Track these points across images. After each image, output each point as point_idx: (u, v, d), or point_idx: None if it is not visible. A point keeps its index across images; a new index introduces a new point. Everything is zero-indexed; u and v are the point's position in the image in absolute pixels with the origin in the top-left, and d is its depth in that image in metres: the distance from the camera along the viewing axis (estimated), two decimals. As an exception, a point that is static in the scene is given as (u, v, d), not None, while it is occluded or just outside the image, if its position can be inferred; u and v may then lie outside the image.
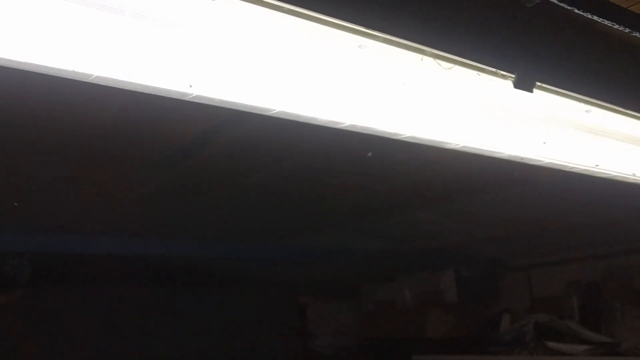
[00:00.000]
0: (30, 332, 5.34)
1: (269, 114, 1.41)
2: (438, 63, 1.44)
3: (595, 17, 1.39)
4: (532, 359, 5.31)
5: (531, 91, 1.63)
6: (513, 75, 1.59)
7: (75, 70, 1.14)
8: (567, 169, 1.98)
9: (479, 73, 1.52)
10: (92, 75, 1.17)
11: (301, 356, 7.11)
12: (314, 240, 5.19)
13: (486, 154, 1.81)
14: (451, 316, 6.30)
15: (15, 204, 3.30)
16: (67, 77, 1.17)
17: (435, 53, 1.43)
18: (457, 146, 1.72)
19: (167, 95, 1.27)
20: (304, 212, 4.04)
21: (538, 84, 1.65)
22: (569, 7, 1.33)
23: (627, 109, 1.87)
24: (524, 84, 1.61)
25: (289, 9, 1.23)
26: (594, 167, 2.07)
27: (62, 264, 4.90)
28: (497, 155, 1.86)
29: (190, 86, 1.25)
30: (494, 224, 4.71)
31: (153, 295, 5.92)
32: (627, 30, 1.47)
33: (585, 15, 1.37)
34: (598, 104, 1.78)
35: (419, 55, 1.41)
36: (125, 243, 4.55)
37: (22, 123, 2.33)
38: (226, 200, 3.54)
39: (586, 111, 1.81)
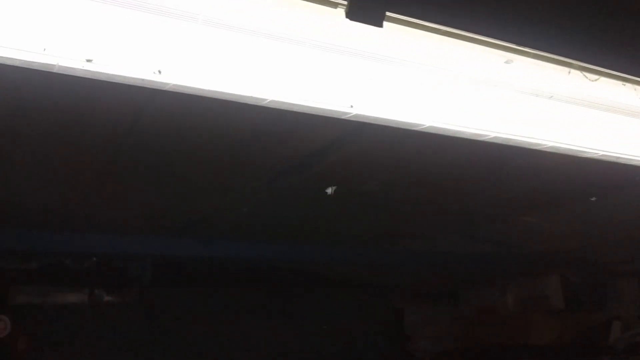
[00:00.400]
0: (143, 329, 5.66)
1: (417, 129, 1.48)
2: (584, 75, 1.46)
3: None
4: (647, 369, 5.08)
5: (675, 99, 1.61)
6: (657, 83, 1.58)
7: (253, 95, 1.26)
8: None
9: (624, 83, 1.53)
10: (267, 99, 1.28)
11: (398, 359, 7.11)
12: (416, 245, 5.21)
13: (625, 162, 1.80)
14: (557, 322, 6.13)
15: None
16: (244, 101, 1.29)
17: (582, 65, 1.45)
18: (596, 155, 1.72)
19: (330, 115, 1.36)
20: (411, 218, 4.09)
21: (684, 91, 1.62)
22: None
23: None
24: (669, 91, 1.59)
25: (445, 30, 1.30)
26: None
27: (177, 266, 5.19)
28: (633, 162, 1.85)
29: (351, 106, 1.34)
30: (603, 229, 4.56)
31: (255, 298, 6.12)
32: None
33: None
34: None
35: (567, 69, 1.44)
36: (238, 247, 4.77)
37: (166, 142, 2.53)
38: (340, 207, 3.64)
39: None
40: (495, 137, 1.53)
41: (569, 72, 1.43)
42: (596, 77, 1.48)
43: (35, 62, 1.09)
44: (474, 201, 3.70)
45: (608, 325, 5.93)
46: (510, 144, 1.59)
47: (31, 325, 5.12)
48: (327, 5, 1.14)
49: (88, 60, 1.08)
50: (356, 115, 1.37)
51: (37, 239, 4.42)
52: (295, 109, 1.28)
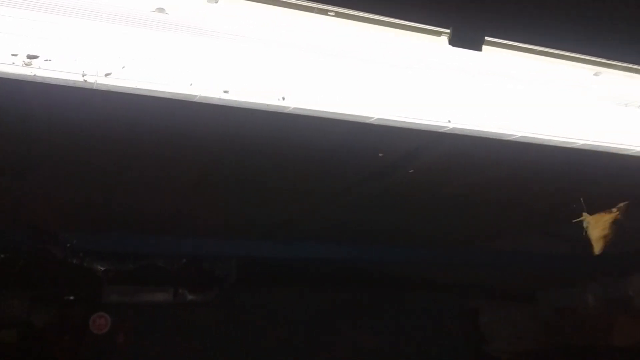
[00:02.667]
0: (223, 328, 5.92)
1: (509, 139, 1.59)
2: (671, 84, 1.53)
3: None
4: None
5: None
6: None
7: (362, 114, 1.41)
8: None
9: None
10: (373, 117, 1.43)
11: (475, 359, 7.11)
12: (495, 244, 5.24)
13: None
14: (640, 324, 5.98)
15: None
16: (354, 120, 1.44)
17: (669, 76, 1.52)
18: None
19: (430, 130, 1.50)
20: (492, 218, 4.14)
21: None
22: None
23: None
24: None
25: (537, 50, 1.40)
26: None
27: (262, 267, 5.42)
28: None
29: (449, 121, 1.47)
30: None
31: (337, 298, 6.29)
32: None
33: None
34: None
35: (654, 79, 1.51)
36: (321, 249, 4.94)
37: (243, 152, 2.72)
38: (421, 210, 3.76)
39: None
40: (584, 144, 1.61)
41: (657, 82, 1.51)
42: (683, 84, 1.54)
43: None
44: (557, 201, 3.73)
45: (697, 327, 5.74)
46: (598, 149, 1.67)
47: (125, 322, 5.49)
48: (432, 34, 1.28)
49: (225, 92, 1.26)
50: (453, 129, 1.49)
51: (133, 242, 4.75)
52: (401, 125, 1.42)
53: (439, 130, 1.52)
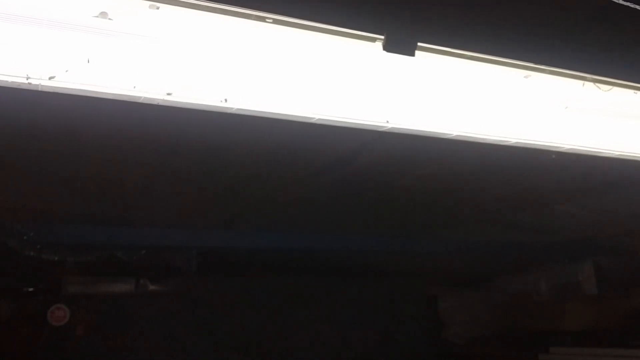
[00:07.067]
0: (184, 316, 5.94)
1: (446, 137, 1.67)
2: (597, 86, 1.62)
3: None
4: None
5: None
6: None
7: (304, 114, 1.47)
8: None
9: (636, 92, 1.69)
10: (314, 118, 1.49)
11: (434, 345, 7.27)
12: (451, 233, 5.38)
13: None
14: (590, 308, 6.21)
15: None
16: (296, 120, 1.50)
17: (595, 78, 1.62)
18: (613, 154, 1.89)
19: (370, 129, 1.56)
20: (447, 208, 4.26)
21: (693, 95, 1.77)
22: None
23: None
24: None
25: (468, 55, 1.48)
26: None
27: (221, 257, 5.46)
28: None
29: (387, 121, 1.54)
30: (636, 216, 4.65)
31: (296, 286, 6.36)
32: None
33: None
34: None
35: (580, 82, 1.61)
36: (274, 238, 5.01)
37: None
38: (376, 200, 3.85)
39: None
40: (517, 142, 1.71)
41: (583, 85, 1.60)
42: (609, 87, 1.64)
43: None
44: (508, 191, 3.86)
45: (642, 310, 5.99)
46: (531, 147, 1.76)
47: (85, 313, 5.46)
48: (367, 40, 1.34)
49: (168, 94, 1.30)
50: (392, 128, 1.57)
51: (91, 233, 4.73)
52: (342, 124, 1.49)
53: (379, 130, 1.59)
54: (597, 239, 5.75)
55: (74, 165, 3.13)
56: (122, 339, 5.49)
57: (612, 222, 5.01)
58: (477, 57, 1.50)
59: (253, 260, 5.77)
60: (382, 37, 1.34)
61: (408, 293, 7.16)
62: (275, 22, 1.26)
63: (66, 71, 1.24)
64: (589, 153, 1.84)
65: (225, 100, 1.35)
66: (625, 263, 6.15)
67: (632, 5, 1.29)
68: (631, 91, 1.69)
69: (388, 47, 1.33)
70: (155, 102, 1.37)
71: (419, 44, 1.38)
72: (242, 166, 3.24)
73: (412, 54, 1.38)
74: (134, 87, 1.29)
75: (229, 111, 1.41)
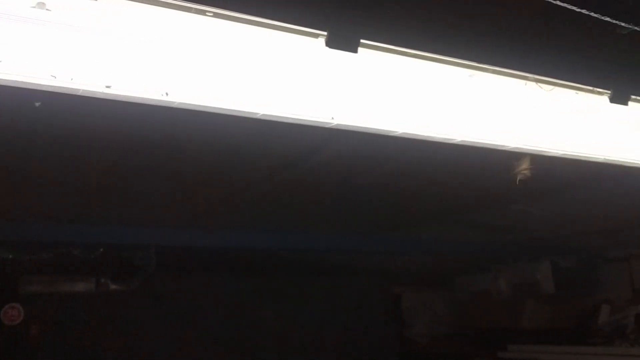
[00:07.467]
0: (147, 316, 5.88)
1: (392, 135, 1.69)
2: (540, 86, 1.66)
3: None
4: (633, 350, 5.30)
5: (626, 104, 1.82)
6: (609, 91, 1.78)
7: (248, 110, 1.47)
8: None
9: (577, 92, 1.73)
10: (259, 113, 1.49)
11: (397, 343, 7.34)
12: (413, 232, 5.42)
13: (584, 159, 2.00)
14: (548, 307, 6.35)
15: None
16: (242, 115, 1.50)
17: (537, 78, 1.65)
18: (557, 153, 1.93)
19: (315, 125, 1.57)
20: (407, 207, 4.30)
21: (633, 97, 1.83)
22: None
23: None
24: (619, 98, 1.79)
25: (412, 53, 1.50)
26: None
27: (182, 255, 5.41)
28: (593, 159, 2.05)
29: (332, 118, 1.54)
30: (592, 217, 4.75)
31: (260, 284, 6.35)
32: None
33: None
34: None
35: (523, 81, 1.64)
36: (238, 237, 4.99)
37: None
38: (338, 198, 3.86)
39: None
40: (462, 141, 1.73)
41: (525, 84, 1.63)
42: (551, 87, 1.67)
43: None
44: (466, 191, 3.91)
45: (597, 309, 6.15)
46: (477, 145, 1.79)
47: (41, 313, 5.36)
48: (310, 36, 1.35)
49: (107, 87, 1.29)
50: (337, 125, 1.57)
51: (47, 231, 4.64)
52: (286, 121, 1.49)
53: (325, 127, 1.59)
54: (555, 239, 5.86)
55: (27, 163, 3.08)
56: (82, 338, 5.41)
57: (569, 222, 5.11)
58: (422, 55, 1.51)
59: (215, 259, 5.73)
60: (325, 33, 1.34)
61: (373, 292, 7.21)
62: (216, 15, 1.25)
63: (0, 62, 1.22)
64: (533, 152, 1.88)
65: (167, 94, 1.34)
66: (582, 262, 6.30)
67: (570, 7, 1.32)
68: (573, 91, 1.73)
69: (330, 43, 1.34)
70: (95, 95, 1.35)
71: (362, 40, 1.39)
72: (200, 165, 3.21)
73: (355, 51, 1.38)
74: (71, 79, 1.27)
75: (171, 105, 1.40)
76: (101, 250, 4.96)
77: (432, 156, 2.92)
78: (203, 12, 1.25)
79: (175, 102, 1.39)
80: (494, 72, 1.60)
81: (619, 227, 5.14)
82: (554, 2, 1.31)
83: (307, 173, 3.35)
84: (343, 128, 1.60)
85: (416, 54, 1.50)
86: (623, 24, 1.45)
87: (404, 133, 1.66)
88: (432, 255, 6.29)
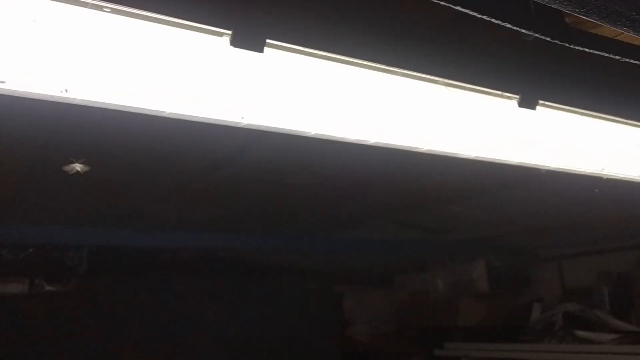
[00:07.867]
0: (85, 317, 5.75)
1: (306, 135, 1.70)
2: (449, 90, 1.70)
3: (585, 49, 1.63)
4: (561, 347, 5.49)
5: (534, 109, 1.88)
6: (517, 96, 1.84)
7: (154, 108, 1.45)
8: (571, 173, 2.22)
9: (486, 96, 1.78)
10: (166, 112, 1.47)
11: (339, 343, 7.39)
12: (350, 233, 5.48)
13: (498, 162, 2.06)
14: (482, 305, 6.51)
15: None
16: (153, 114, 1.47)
17: (447, 82, 1.69)
18: (470, 156, 1.98)
19: (227, 125, 1.56)
20: (339, 208, 4.33)
21: (540, 102, 1.89)
22: (560, 43, 1.57)
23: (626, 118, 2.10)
24: (527, 102, 1.85)
25: (320, 54, 1.51)
26: (600, 171, 2.30)
27: (117, 256, 5.31)
28: (507, 162, 2.12)
29: (242, 117, 1.54)
30: (525, 217, 4.91)
31: (199, 285, 6.29)
32: (617, 58, 1.70)
33: (575, 48, 1.61)
34: (595, 116, 2.02)
35: (432, 85, 1.67)
36: (174, 237, 4.93)
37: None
38: (271, 198, 3.86)
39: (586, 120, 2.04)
40: (376, 142, 1.75)
41: (435, 87, 1.67)
42: (461, 91, 1.71)
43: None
44: (399, 192, 3.97)
45: (529, 307, 6.34)
46: (391, 147, 1.82)
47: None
48: (213, 35, 1.34)
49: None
50: (248, 125, 1.57)
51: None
52: (196, 119, 1.48)
53: (236, 126, 1.59)
54: (489, 239, 6.02)
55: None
56: (15, 341, 5.24)
57: (502, 223, 5.26)
58: (331, 57, 1.52)
59: (151, 259, 5.65)
60: (230, 32, 1.34)
61: (314, 292, 7.25)
62: (114, 11, 1.23)
63: None
64: (446, 155, 1.92)
65: (66, 90, 1.30)
66: (515, 262, 6.49)
67: (472, 13, 1.35)
68: (482, 95, 1.77)
69: (235, 42, 1.34)
70: (-10, 90, 1.31)
71: (268, 40, 1.39)
72: (128, 164, 3.16)
73: (261, 51, 1.38)
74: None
75: (72, 102, 1.36)
76: (30, 250, 4.82)
77: (358, 158, 2.96)
78: (100, 8, 1.22)
79: (76, 99, 1.36)
80: (402, 75, 1.62)
81: (549, 228, 5.32)
82: (455, 7, 1.34)
83: (239, 173, 3.34)
84: (255, 128, 1.60)
85: (324, 55, 1.51)
86: (524, 31, 1.50)
87: (316, 134, 1.67)
88: (371, 255, 6.37)
